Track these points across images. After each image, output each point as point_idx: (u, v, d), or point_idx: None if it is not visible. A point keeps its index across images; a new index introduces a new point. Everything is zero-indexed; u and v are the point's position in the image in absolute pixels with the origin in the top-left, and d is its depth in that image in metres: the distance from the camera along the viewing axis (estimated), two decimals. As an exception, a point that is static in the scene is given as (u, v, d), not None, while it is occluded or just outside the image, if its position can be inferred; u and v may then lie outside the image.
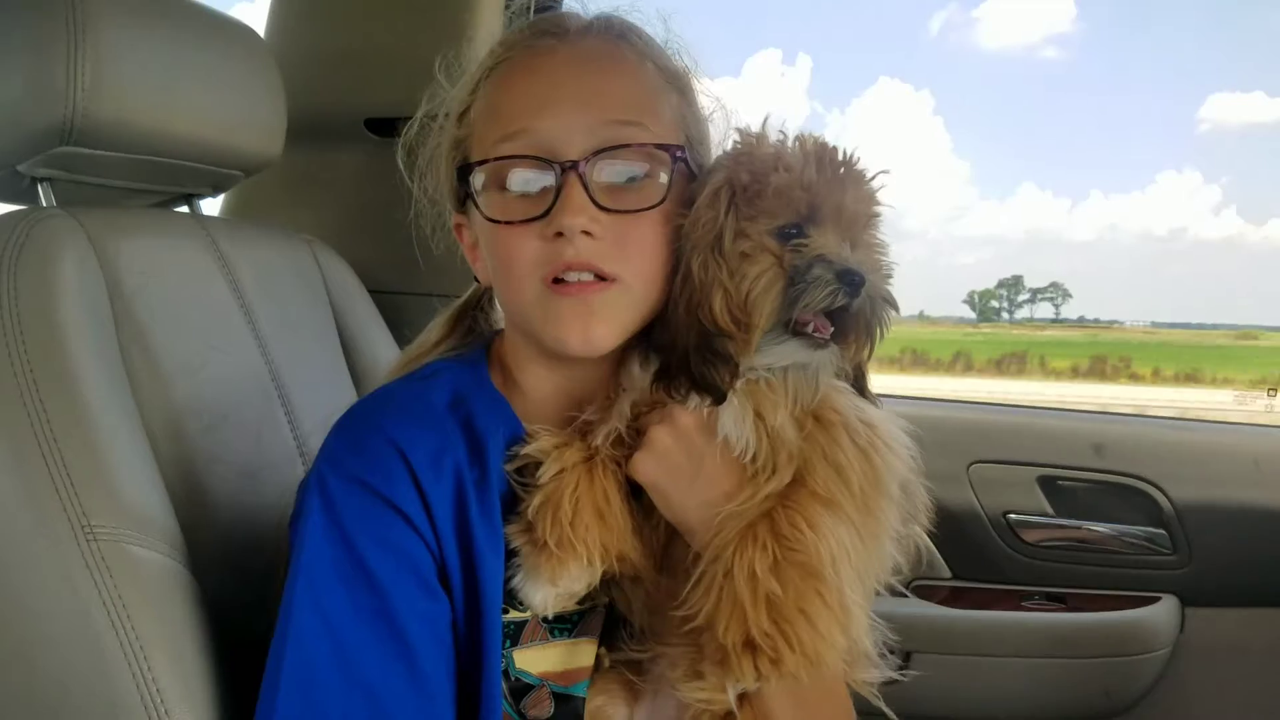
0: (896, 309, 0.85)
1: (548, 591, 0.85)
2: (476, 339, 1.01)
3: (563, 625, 0.91)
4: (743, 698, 0.82)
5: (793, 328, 0.83)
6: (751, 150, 0.86)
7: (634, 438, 0.88)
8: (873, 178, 0.86)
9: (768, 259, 0.82)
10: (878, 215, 0.87)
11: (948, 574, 1.89)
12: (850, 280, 0.80)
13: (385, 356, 1.43)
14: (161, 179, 1.23)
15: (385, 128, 1.67)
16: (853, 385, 0.89)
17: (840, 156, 0.84)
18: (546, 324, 0.86)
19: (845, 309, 0.82)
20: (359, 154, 1.70)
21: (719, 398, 0.84)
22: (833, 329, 0.83)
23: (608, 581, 0.90)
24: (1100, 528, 1.88)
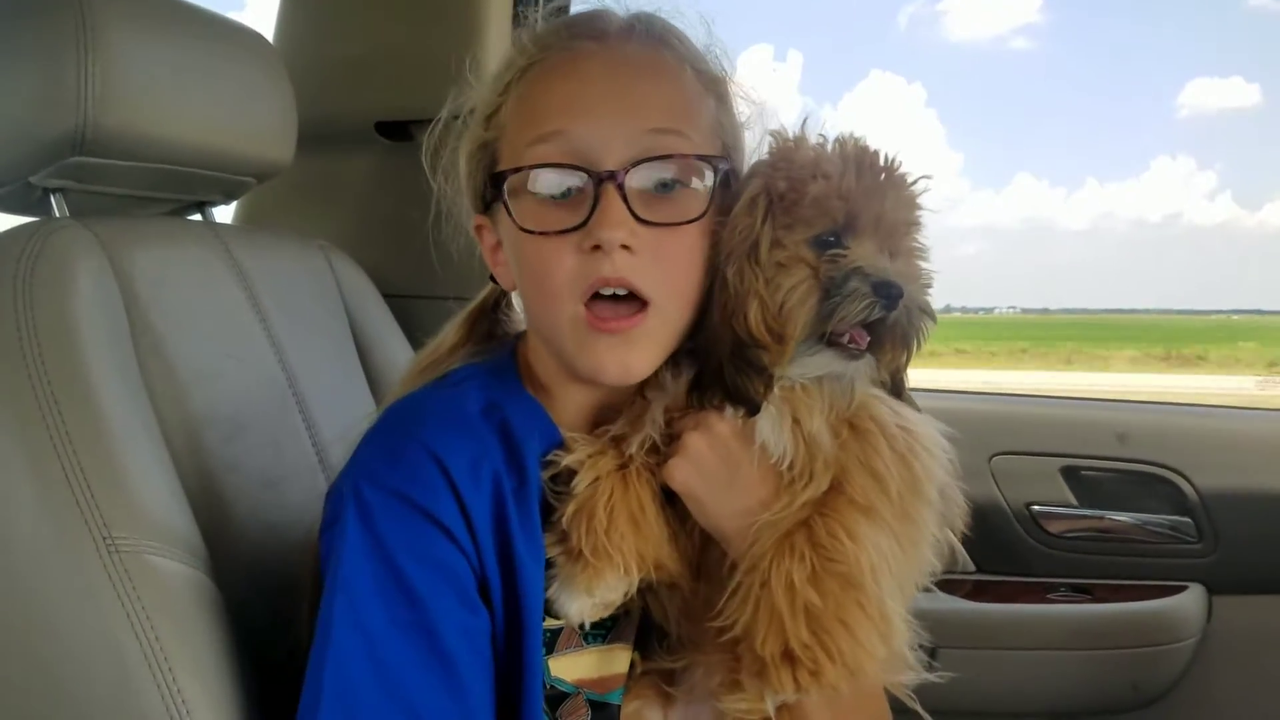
0: (934, 319, 0.83)
1: (584, 602, 0.84)
2: (498, 342, 0.99)
3: (597, 631, 0.90)
4: (781, 706, 0.81)
5: (828, 338, 0.81)
6: (789, 155, 0.84)
7: (668, 444, 0.86)
8: (914, 182, 0.83)
9: (803, 270, 0.80)
10: (918, 222, 0.84)
11: (972, 568, 1.88)
12: (887, 293, 0.78)
13: (401, 361, 1.42)
14: (173, 187, 1.22)
15: (396, 131, 1.66)
16: (890, 389, 0.87)
17: (881, 161, 0.82)
18: (582, 353, 0.83)
19: (882, 320, 0.80)
20: (371, 158, 1.69)
21: (753, 409, 0.82)
22: (869, 339, 0.81)
23: (642, 589, 0.89)
24: (1125, 517, 1.86)
